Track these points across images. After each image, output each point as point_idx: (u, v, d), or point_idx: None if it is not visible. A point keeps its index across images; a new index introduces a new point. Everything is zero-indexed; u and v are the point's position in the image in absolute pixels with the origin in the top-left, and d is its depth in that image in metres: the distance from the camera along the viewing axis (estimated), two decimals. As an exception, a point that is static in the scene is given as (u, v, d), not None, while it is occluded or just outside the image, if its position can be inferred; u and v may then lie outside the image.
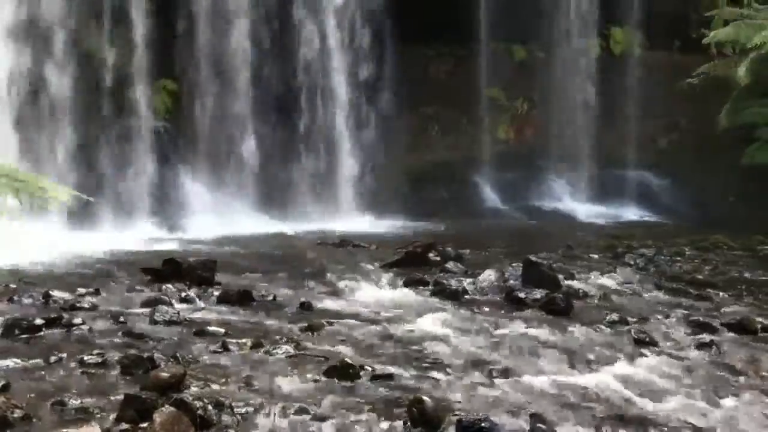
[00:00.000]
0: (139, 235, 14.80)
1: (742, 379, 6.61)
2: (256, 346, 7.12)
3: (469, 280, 10.08)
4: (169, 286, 9.39)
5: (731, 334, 7.91)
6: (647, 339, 7.55)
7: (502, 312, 8.65)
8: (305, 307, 8.75)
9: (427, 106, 19.84)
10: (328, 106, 18.77)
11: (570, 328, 7.93)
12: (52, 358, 6.64)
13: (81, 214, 14.56)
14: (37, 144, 15.71)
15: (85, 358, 6.63)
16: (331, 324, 7.91)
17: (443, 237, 13.97)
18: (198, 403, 5.38)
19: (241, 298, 8.93)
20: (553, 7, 20.25)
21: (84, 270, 11.14)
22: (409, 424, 5.40)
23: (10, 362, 6.55)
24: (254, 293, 9.15)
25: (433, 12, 17.94)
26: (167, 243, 14.14)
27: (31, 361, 6.60)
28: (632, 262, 11.89)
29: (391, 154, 19.10)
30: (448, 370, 6.59)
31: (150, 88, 17.12)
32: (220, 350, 6.99)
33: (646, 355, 7.12)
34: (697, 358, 7.11)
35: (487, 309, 8.78)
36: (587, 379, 6.48)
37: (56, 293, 8.92)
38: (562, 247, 13.17)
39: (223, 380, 6.16)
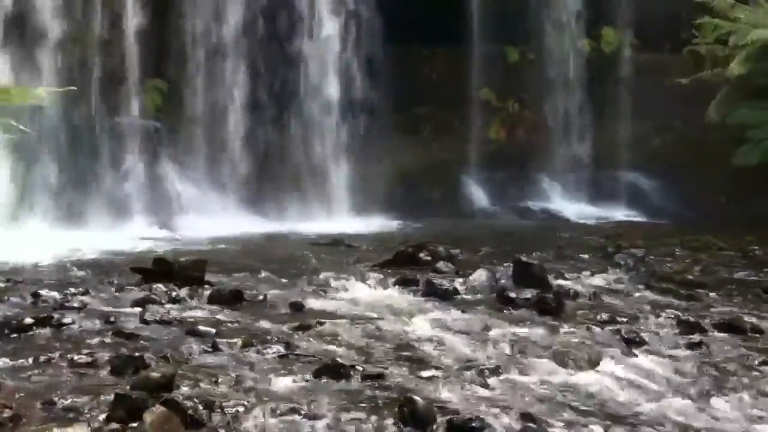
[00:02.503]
0: (129, 234, 14.77)
1: (731, 379, 6.62)
2: (246, 345, 7.10)
3: (460, 280, 10.08)
4: (160, 285, 9.33)
5: (721, 334, 7.91)
6: (637, 338, 7.56)
7: (493, 312, 8.65)
8: (296, 307, 8.73)
9: (419, 107, 19.86)
10: (320, 106, 18.76)
11: (560, 328, 7.95)
12: (42, 358, 6.61)
13: (70, 213, 14.53)
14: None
15: (75, 357, 6.59)
16: (321, 324, 7.89)
17: (434, 237, 13.96)
18: (188, 403, 5.37)
19: (232, 298, 8.91)
20: (545, 8, 20.30)
21: (73, 269, 11.10)
22: (399, 423, 5.40)
23: (-1, 362, 6.53)
24: (245, 293, 9.13)
25: (426, 13, 17.94)
26: (158, 242, 14.11)
27: (20, 361, 6.57)
28: (623, 262, 11.90)
29: (383, 154, 19.10)
30: (438, 369, 6.58)
31: (141, 87, 17.08)
32: (210, 350, 6.97)
33: (635, 355, 7.13)
34: (687, 358, 7.12)
35: (478, 309, 8.78)
36: (578, 379, 6.49)
37: (45, 292, 8.89)
38: (553, 247, 13.18)
39: (214, 380, 6.14)
